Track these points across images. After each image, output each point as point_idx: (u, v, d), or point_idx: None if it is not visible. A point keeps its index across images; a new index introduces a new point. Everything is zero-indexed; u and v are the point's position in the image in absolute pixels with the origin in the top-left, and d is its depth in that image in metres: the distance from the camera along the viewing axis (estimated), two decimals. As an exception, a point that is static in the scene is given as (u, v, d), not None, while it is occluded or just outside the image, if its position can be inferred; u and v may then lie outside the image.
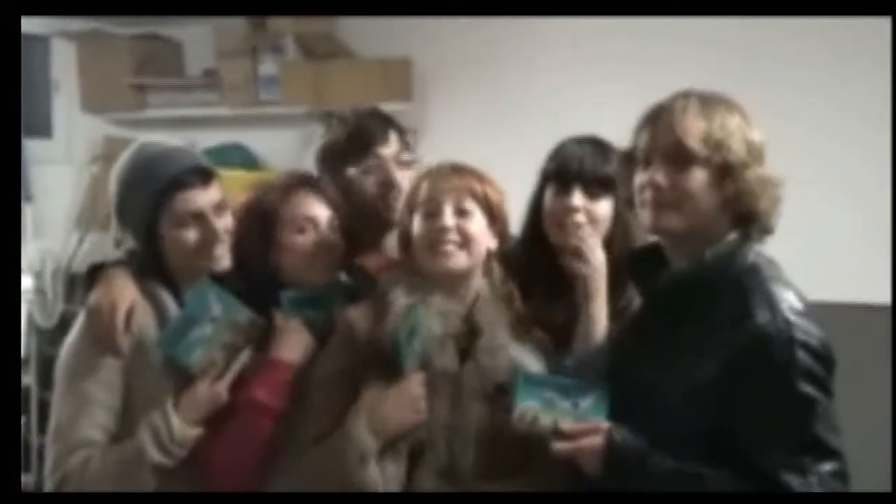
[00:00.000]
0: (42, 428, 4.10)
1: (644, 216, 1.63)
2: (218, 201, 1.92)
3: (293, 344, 1.87)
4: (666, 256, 1.67)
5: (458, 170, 1.84)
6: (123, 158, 1.95)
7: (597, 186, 1.91)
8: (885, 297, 2.93)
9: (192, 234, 1.89)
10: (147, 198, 1.88)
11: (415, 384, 1.71)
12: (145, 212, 1.89)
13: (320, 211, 1.97)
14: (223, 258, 1.93)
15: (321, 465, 1.72)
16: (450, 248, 1.74)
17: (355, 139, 2.17)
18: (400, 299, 1.76)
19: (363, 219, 2.07)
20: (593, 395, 1.63)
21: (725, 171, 1.56)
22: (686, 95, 1.61)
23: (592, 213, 1.91)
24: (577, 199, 1.90)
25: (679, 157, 1.57)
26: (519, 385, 1.66)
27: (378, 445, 1.68)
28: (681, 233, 1.59)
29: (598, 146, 1.97)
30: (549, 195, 1.96)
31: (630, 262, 1.77)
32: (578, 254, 1.83)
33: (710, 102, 1.60)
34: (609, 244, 1.90)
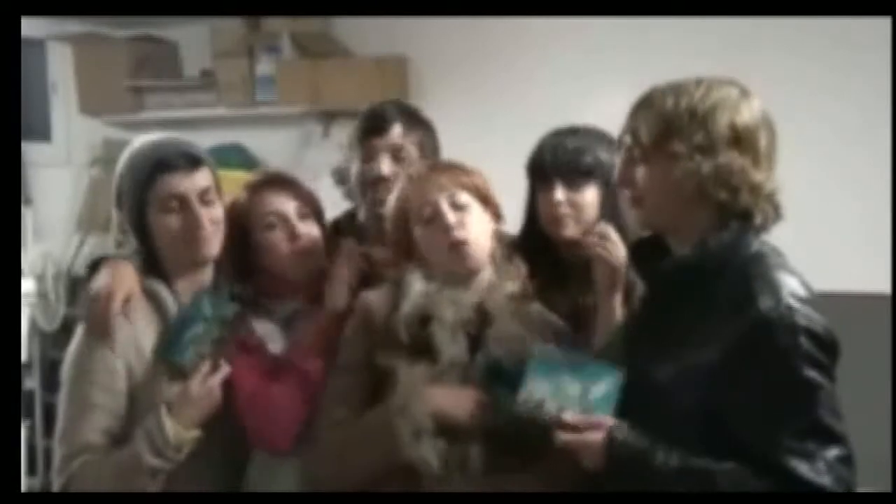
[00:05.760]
0: (48, 431, 4.12)
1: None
2: (204, 188, 1.88)
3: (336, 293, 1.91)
4: (669, 245, 1.67)
5: (438, 168, 1.83)
6: (123, 155, 1.95)
7: (578, 176, 1.92)
8: (884, 287, 2.94)
9: (175, 220, 1.86)
10: (136, 184, 1.88)
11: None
12: (134, 199, 1.88)
13: (286, 205, 1.96)
14: (211, 247, 1.90)
15: (367, 437, 1.69)
16: (461, 246, 1.73)
17: (357, 129, 2.16)
18: (415, 285, 1.75)
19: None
20: (607, 382, 1.60)
21: (699, 152, 1.53)
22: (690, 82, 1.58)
23: (576, 204, 1.92)
24: (559, 192, 1.91)
25: (638, 152, 1.57)
26: (533, 363, 1.63)
27: (432, 426, 1.66)
28: (663, 229, 1.60)
29: (579, 136, 1.97)
30: (536, 192, 1.97)
31: (633, 250, 1.77)
32: (605, 247, 1.82)
33: (685, 85, 1.57)
34: None
